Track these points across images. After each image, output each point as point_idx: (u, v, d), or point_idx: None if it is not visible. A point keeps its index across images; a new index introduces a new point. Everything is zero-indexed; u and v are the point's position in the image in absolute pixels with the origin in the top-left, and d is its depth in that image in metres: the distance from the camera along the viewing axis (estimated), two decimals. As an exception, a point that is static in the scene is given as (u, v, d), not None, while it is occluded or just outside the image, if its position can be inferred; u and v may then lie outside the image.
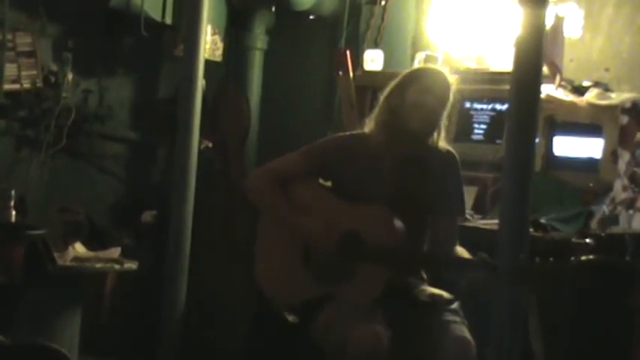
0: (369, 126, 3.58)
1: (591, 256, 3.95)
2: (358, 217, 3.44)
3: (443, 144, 3.55)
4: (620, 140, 4.46)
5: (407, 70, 3.64)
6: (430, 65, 3.60)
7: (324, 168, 3.59)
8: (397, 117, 3.47)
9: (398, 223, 3.39)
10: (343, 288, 3.40)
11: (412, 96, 3.46)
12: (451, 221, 3.58)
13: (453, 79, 3.50)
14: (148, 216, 5.61)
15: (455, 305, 3.47)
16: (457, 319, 3.42)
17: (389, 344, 3.23)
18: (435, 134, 3.53)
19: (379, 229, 3.39)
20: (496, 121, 4.89)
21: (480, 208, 4.70)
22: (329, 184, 3.65)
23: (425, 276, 3.61)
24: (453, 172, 3.60)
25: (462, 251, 3.50)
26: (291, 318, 3.59)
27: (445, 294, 3.49)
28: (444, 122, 3.52)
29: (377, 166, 3.51)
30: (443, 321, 3.38)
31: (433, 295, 3.48)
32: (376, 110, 3.57)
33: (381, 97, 3.56)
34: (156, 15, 5.52)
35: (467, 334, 3.36)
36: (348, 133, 3.75)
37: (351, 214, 3.45)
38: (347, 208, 3.47)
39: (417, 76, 3.52)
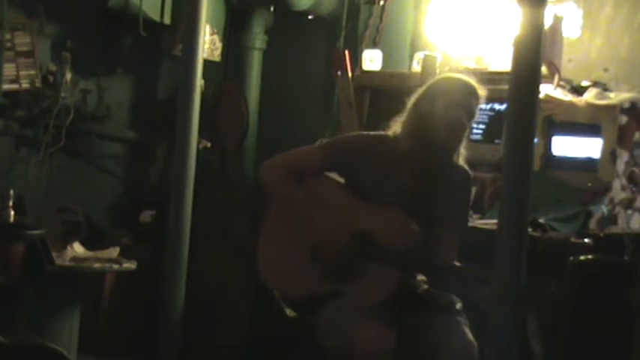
0: (393, 129, 3.56)
1: (590, 256, 3.95)
2: (373, 218, 3.43)
3: (462, 161, 3.55)
4: (619, 140, 4.46)
5: (439, 78, 3.61)
6: (463, 77, 3.56)
7: (342, 165, 3.57)
8: (425, 126, 3.45)
9: (413, 226, 3.39)
10: (351, 287, 3.39)
11: (444, 108, 3.43)
12: (452, 236, 3.57)
13: (482, 93, 3.48)
14: (146, 216, 5.62)
15: (458, 306, 3.47)
16: (460, 320, 3.41)
17: (392, 347, 3.22)
18: (455, 154, 3.52)
19: (393, 231, 3.39)
20: (495, 121, 4.89)
21: (478, 208, 4.70)
22: (342, 180, 3.63)
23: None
24: (466, 190, 3.62)
25: (462, 266, 3.49)
26: (289, 312, 3.58)
27: (447, 295, 3.49)
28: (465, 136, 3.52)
29: (395, 171, 3.49)
30: (446, 322, 3.38)
31: (435, 297, 3.48)
32: (404, 115, 3.54)
33: (410, 102, 3.53)
34: (154, 15, 5.52)
35: (470, 335, 3.36)
36: (371, 133, 3.72)
37: (366, 214, 3.45)
38: (362, 208, 3.46)
39: (450, 87, 3.49)
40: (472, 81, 3.51)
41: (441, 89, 3.50)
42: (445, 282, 3.57)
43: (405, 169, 3.49)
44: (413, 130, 3.49)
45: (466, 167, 3.59)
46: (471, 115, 3.48)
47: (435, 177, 3.50)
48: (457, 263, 3.50)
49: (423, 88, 3.54)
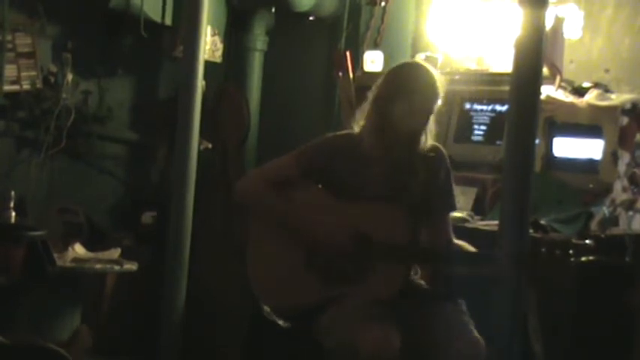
0: (358, 125, 3.56)
1: (591, 257, 3.95)
2: (364, 217, 3.42)
3: (431, 139, 3.52)
4: (620, 141, 4.46)
5: (393, 70, 3.57)
6: (418, 65, 3.55)
7: (317, 168, 3.56)
8: (386, 122, 3.45)
9: (403, 218, 3.39)
10: (355, 288, 3.39)
11: (402, 104, 3.42)
12: (445, 217, 3.59)
13: (440, 78, 3.47)
14: (147, 217, 5.62)
15: (462, 306, 3.47)
16: (465, 319, 3.41)
17: (398, 346, 3.21)
18: (423, 136, 3.50)
19: (387, 227, 3.39)
20: (496, 123, 4.89)
21: (479, 209, 4.69)
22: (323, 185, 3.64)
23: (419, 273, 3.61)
24: (442, 167, 3.58)
25: (462, 244, 3.51)
26: (282, 323, 3.56)
27: (450, 294, 3.49)
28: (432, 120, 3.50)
29: (369, 167, 3.50)
30: (452, 322, 3.37)
31: (438, 295, 3.49)
32: (365, 111, 3.54)
33: (370, 98, 3.53)
34: (155, 16, 5.52)
35: (476, 334, 3.35)
36: (338, 133, 3.72)
37: (356, 214, 3.44)
38: (351, 209, 3.46)
39: (404, 80, 3.47)
40: (430, 69, 3.49)
41: (398, 82, 3.48)
42: (448, 265, 3.58)
43: (377, 164, 3.49)
44: (375, 126, 3.48)
45: (437, 144, 3.57)
46: (431, 101, 3.45)
47: (407, 166, 3.49)
48: (457, 242, 3.50)
49: (381, 81, 3.53)
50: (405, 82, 3.47)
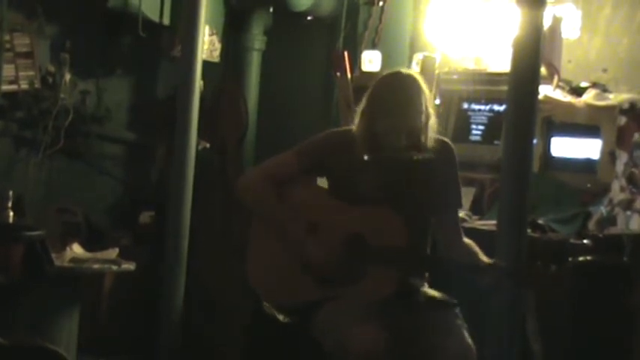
0: (353, 129, 3.54)
1: (589, 257, 3.96)
2: (361, 219, 3.41)
3: (433, 136, 3.43)
4: (618, 141, 4.47)
5: (376, 85, 3.50)
6: (397, 80, 3.48)
7: (318, 165, 3.53)
8: (373, 133, 3.44)
9: (402, 222, 3.37)
10: (350, 290, 3.38)
11: (381, 121, 3.39)
12: (453, 215, 3.55)
13: (419, 81, 3.41)
14: (145, 217, 5.62)
15: (456, 309, 3.46)
16: (458, 322, 3.40)
17: (386, 346, 3.21)
18: (422, 135, 3.42)
19: (383, 230, 3.37)
20: (494, 122, 4.89)
21: (477, 209, 4.70)
22: (324, 182, 3.62)
23: (426, 275, 3.60)
24: (447, 163, 3.52)
25: (470, 243, 3.48)
26: (282, 318, 3.56)
27: (446, 297, 3.48)
28: (430, 119, 3.42)
29: (365, 166, 3.47)
30: (444, 324, 3.36)
31: (434, 298, 3.47)
32: (356, 120, 3.51)
33: (359, 108, 3.49)
34: (154, 15, 5.53)
35: (468, 339, 3.34)
36: (340, 129, 3.69)
37: (353, 216, 3.43)
38: (348, 210, 3.45)
39: (383, 98, 3.42)
40: (410, 78, 3.43)
41: (375, 100, 3.44)
42: (446, 272, 3.57)
43: (374, 165, 3.47)
44: (364, 135, 3.45)
45: (444, 139, 3.50)
46: (415, 108, 3.37)
47: (404, 167, 3.46)
48: (466, 240, 3.48)
49: (367, 92, 3.49)
50: (383, 100, 3.42)
